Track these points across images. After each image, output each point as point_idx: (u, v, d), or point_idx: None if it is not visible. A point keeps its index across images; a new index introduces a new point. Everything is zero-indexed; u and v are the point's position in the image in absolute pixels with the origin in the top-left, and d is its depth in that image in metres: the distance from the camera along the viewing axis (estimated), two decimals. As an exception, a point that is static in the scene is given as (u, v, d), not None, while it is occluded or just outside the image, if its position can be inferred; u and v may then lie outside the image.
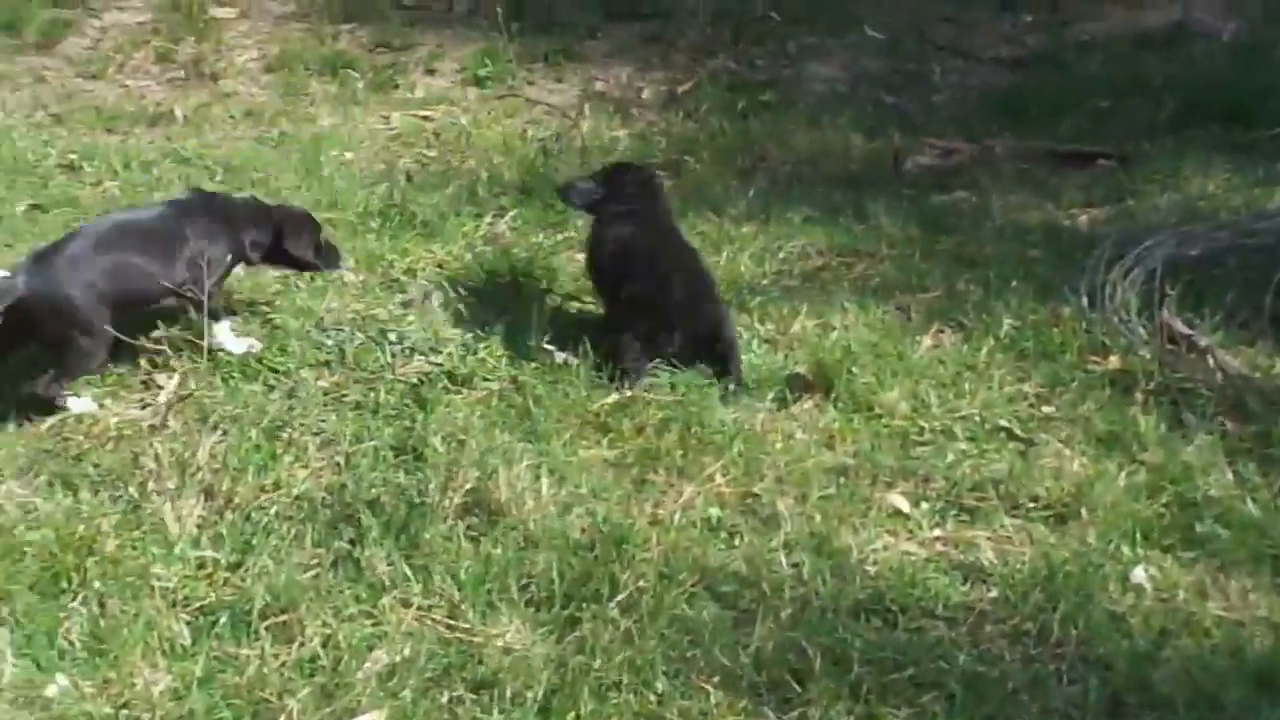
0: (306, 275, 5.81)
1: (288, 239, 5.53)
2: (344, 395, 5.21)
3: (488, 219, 6.50)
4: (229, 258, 5.40)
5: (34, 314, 5.03)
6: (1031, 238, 6.39)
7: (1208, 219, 6.31)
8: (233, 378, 5.26)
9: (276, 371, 5.31)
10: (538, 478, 4.72)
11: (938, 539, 4.67)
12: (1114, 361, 5.43)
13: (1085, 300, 5.66)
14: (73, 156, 7.13)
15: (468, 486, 4.65)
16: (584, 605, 4.28)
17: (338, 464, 4.87)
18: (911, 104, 8.06)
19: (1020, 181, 7.02)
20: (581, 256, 5.91)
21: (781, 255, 6.14)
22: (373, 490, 4.70)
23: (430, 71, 8.41)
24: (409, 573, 4.37)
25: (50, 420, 5.06)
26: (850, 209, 6.56)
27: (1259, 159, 6.99)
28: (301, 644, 4.15)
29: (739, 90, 8.11)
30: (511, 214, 6.55)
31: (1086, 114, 7.73)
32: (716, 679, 4.06)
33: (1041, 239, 6.37)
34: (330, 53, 8.52)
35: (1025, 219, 6.66)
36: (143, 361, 5.32)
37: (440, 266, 6.06)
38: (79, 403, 5.17)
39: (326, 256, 5.68)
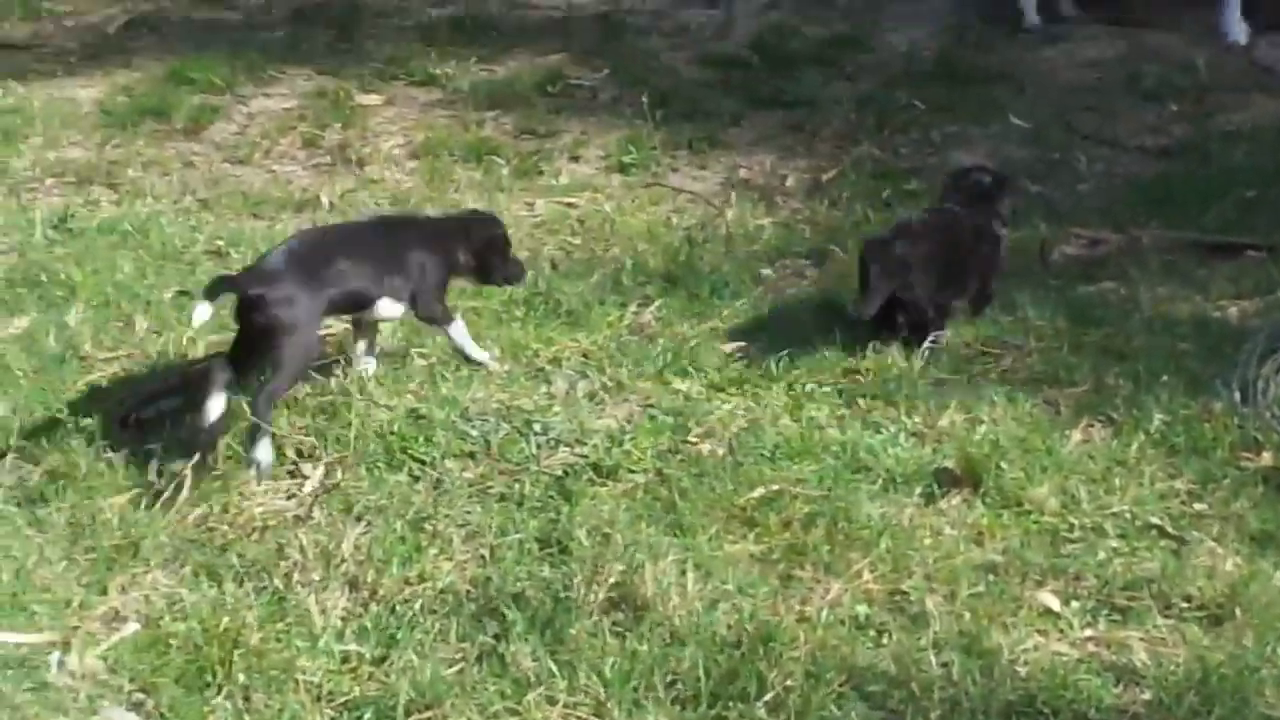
0: (453, 365, 5.85)
1: (490, 252, 5.89)
2: (489, 487, 5.21)
3: (632, 308, 6.50)
4: (445, 269, 5.80)
5: (250, 310, 5.34)
6: (1181, 330, 6.30)
7: (1364, 314, 6.21)
8: (378, 468, 5.28)
9: (422, 462, 5.32)
10: (683, 573, 4.68)
11: (1089, 639, 4.59)
12: (1267, 458, 5.33)
13: (1237, 395, 5.58)
14: (219, 242, 7.23)
15: (613, 581, 4.62)
16: (730, 704, 4.23)
17: (482, 557, 4.86)
18: (1056, 193, 7.98)
19: (1168, 273, 6.92)
20: (728, 346, 5.95)
21: (927, 347, 6.08)
22: (517, 584, 4.69)
23: (575, 158, 8.45)
24: (554, 669, 4.35)
25: (196, 511, 5.09)
26: (997, 299, 6.49)
27: None
28: (447, 739, 4.14)
29: (883, 178, 8.08)
30: (656, 303, 6.55)
31: (1233, 204, 7.62)
32: (865, 781, 4.00)
33: (1191, 331, 6.27)
34: (475, 139, 8.58)
35: (1174, 311, 6.57)
36: (289, 451, 5.35)
37: (585, 356, 6.06)
38: (264, 450, 5.27)
39: (515, 271, 6.05)
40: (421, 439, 5.43)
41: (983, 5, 10.53)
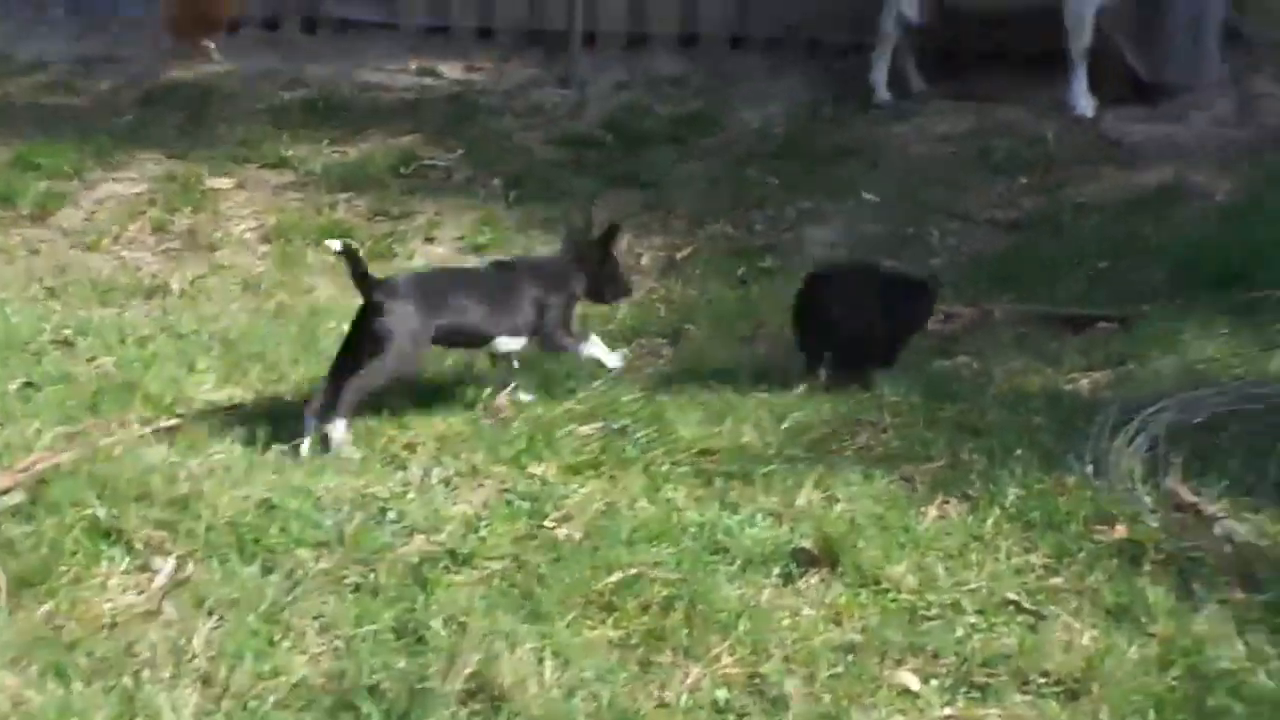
0: (306, 452, 5.81)
1: (604, 278, 6.40)
2: (343, 577, 5.13)
3: (488, 391, 6.47)
4: (566, 303, 6.32)
5: (369, 313, 6.01)
6: (1034, 404, 6.35)
7: (1210, 383, 6.28)
8: (230, 560, 5.20)
9: (274, 553, 5.24)
10: (541, 661, 4.63)
11: (948, 717, 4.59)
12: (1121, 531, 5.36)
13: (1090, 468, 5.62)
14: (67, 331, 7.10)
15: (470, 670, 4.55)
16: (591, 793, 4.19)
17: (337, 649, 4.78)
18: (910, 268, 8.06)
19: (1021, 346, 7.00)
20: (585, 428, 5.93)
21: (785, 425, 6.09)
22: (373, 676, 4.61)
23: (429, 240, 8.44)
24: (411, 762, 4.29)
25: (43, 608, 4.98)
26: (852, 376, 6.53)
27: (1259, 321, 6.98)
28: (302, 837, 4.07)
29: (738, 256, 8.14)
30: (512, 385, 6.52)
31: (1084, 276, 7.75)
32: None
33: (1044, 405, 6.33)
34: (328, 222, 8.55)
35: (1027, 385, 6.64)
36: (137, 544, 5.26)
37: (440, 441, 6.02)
38: (339, 430, 5.91)
39: (625, 289, 6.54)
40: (274, 529, 5.34)
41: (833, 82, 10.66)
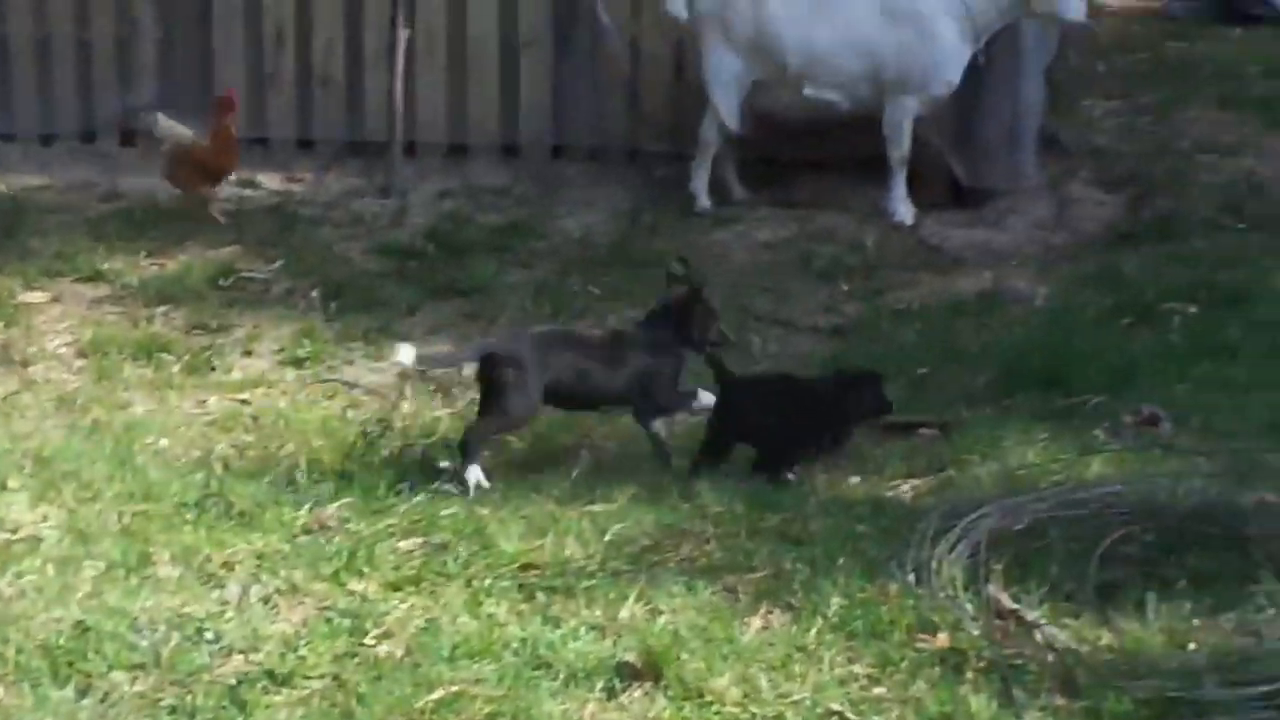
0: (123, 571, 5.72)
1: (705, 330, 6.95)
2: (159, 699, 5.06)
3: (307, 507, 6.42)
4: (675, 367, 6.92)
5: (489, 367, 6.75)
6: (857, 512, 6.42)
7: (1030, 489, 6.38)
8: (42, 684, 5.11)
9: (89, 676, 5.16)
10: (362, 782, 4.60)
11: (774, 830, 4.61)
12: (943, 639, 5.42)
13: (912, 576, 5.67)
14: (-126, 455, 6.97)
15: (289, 794, 4.52)
16: None
17: (152, 775, 4.72)
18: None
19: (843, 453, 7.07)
20: (405, 543, 5.90)
21: (608, 538, 6.10)
22: (189, 802, 4.56)
23: (247, 353, 8.38)
24: None
25: None
26: (675, 487, 6.56)
27: (1077, 426, 7.12)
28: None
29: (561, 366, 8.15)
30: (332, 502, 6.47)
31: (905, 383, 7.84)
32: None
33: (867, 513, 6.40)
34: (144, 335, 8.46)
35: (850, 492, 6.72)
36: (-54, 670, 5.15)
37: (259, 559, 5.96)
38: (473, 473, 6.66)
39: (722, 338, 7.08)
40: (89, 652, 5.26)
41: (655, 191, 10.77)
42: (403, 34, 10.80)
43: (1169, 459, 6.80)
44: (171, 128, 10.16)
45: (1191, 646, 5.30)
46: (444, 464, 6.77)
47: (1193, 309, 8.68)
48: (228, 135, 9.94)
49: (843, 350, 8.30)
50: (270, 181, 10.82)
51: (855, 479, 6.87)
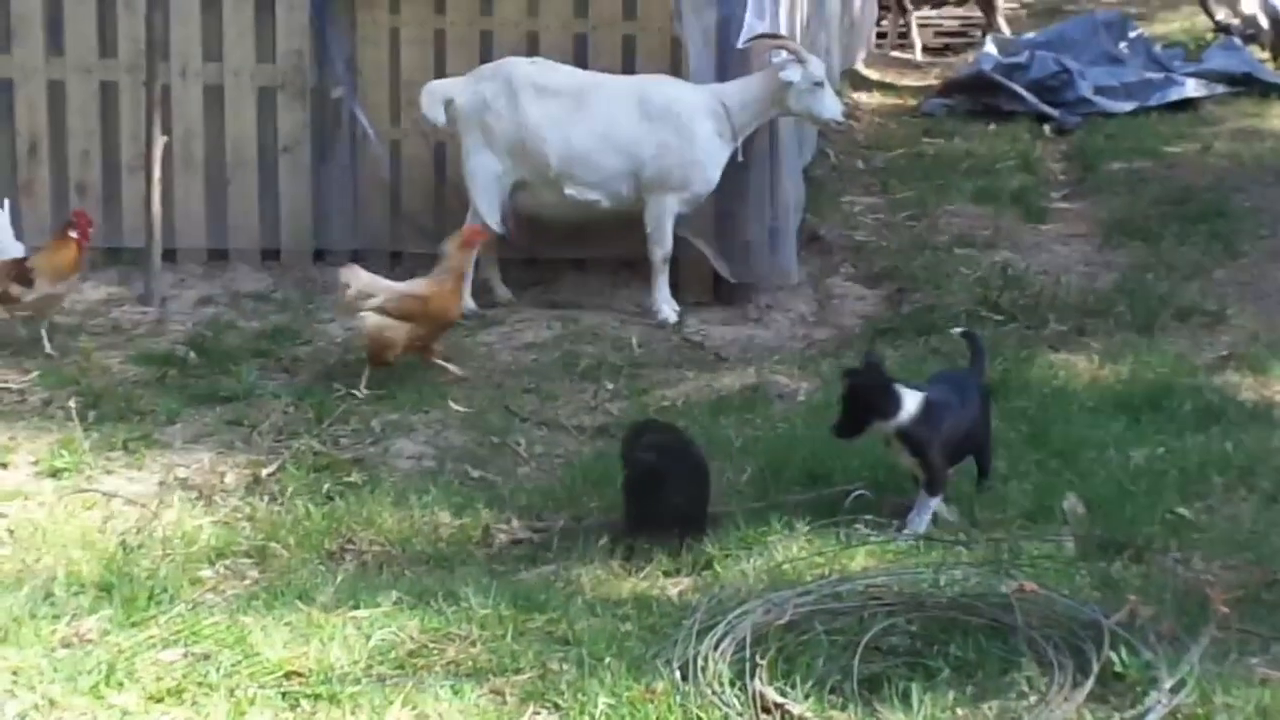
0: None
1: None
2: (-91, 824, 4.98)
3: (66, 620, 6.34)
4: None
5: None
6: (622, 610, 6.48)
7: (794, 583, 6.50)
8: None
9: None
10: None
11: None
12: (710, 734, 5.50)
13: (678, 674, 5.73)
14: None
15: None
16: None
17: None
18: (499, 477, 8.20)
19: (610, 552, 7.14)
20: (167, 654, 5.85)
21: (373, 643, 6.10)
22: None
23: (3, 465, 8.25)
24: None
25: None
26: (441, 591, 6.58)
27: (840, 519, 7.26)
28: None
29: (324, 470, 8.15)
30: (91, 615, 6.39)
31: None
32: None
33: (633, 611, 6.46)
34: (-107, 451, 8.33)
35: (616, 591, 6.78)
36: None
37: (15, 674, 5.87)
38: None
39: None
40: None
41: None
42: (159, 140, 10.78)
43: (931, 549, 6.97)
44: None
45: (955, 734, 5.45)
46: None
47: (952, 401, 8.90)
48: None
49: (608, 450, 8.37)
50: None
51: (621, 576, 6.94)
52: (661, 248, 10.60)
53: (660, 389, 9.39)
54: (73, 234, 9.82)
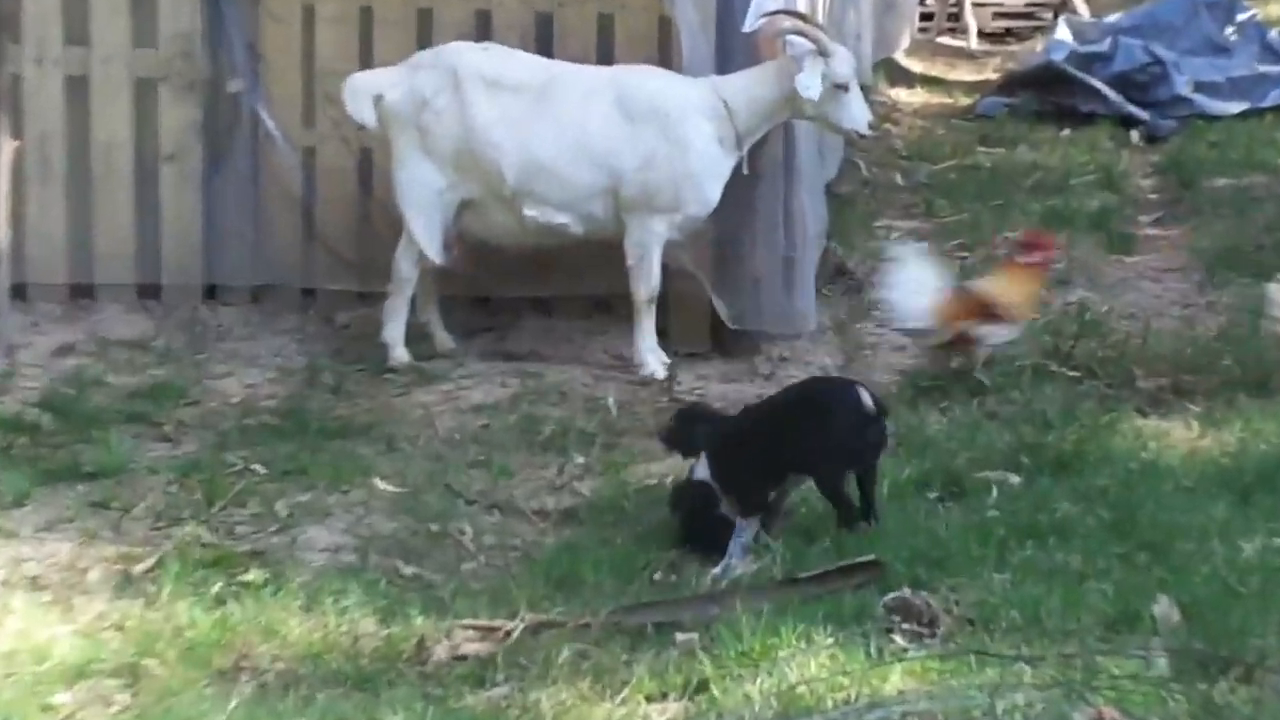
0: None
1: None
2: None
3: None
4: None
5: None
6: (595, 743, 6.48)
7: (812, 710, 6.47)
8: None
9: None
10: None
11: None
12: None
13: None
14: None
15: None
16: None
17: None
18: (437, 575, 8.16)
19: (577, 669, 7.11)
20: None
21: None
22: None
23: None
24: None
25: None
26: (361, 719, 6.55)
27: (867, 630, 7.25)
28: None
29: (215, 566, 8.10)
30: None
31: (643, 583, 7.96)
32: None
33: (609, 745, 6.46)
34: None
35: (587, 716, 6.75)
36: None
37: None
38: None
39: None
40: None
41: (338, 341, 10.84)
42: (8, 147, 10.74)
43: (985, 666, 6.94)
44: None
45: None
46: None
47: (1014, 479, 8.91)
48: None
49: (576, 540, 8.36)
50: None
51: (592, 700, 6.91)
52: (646, 284, 10.58)
53: (644, 463, 9.36)
54: None
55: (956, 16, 21.38)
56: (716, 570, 7.97)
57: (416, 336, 10.77)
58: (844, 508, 8.22)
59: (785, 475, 8.31)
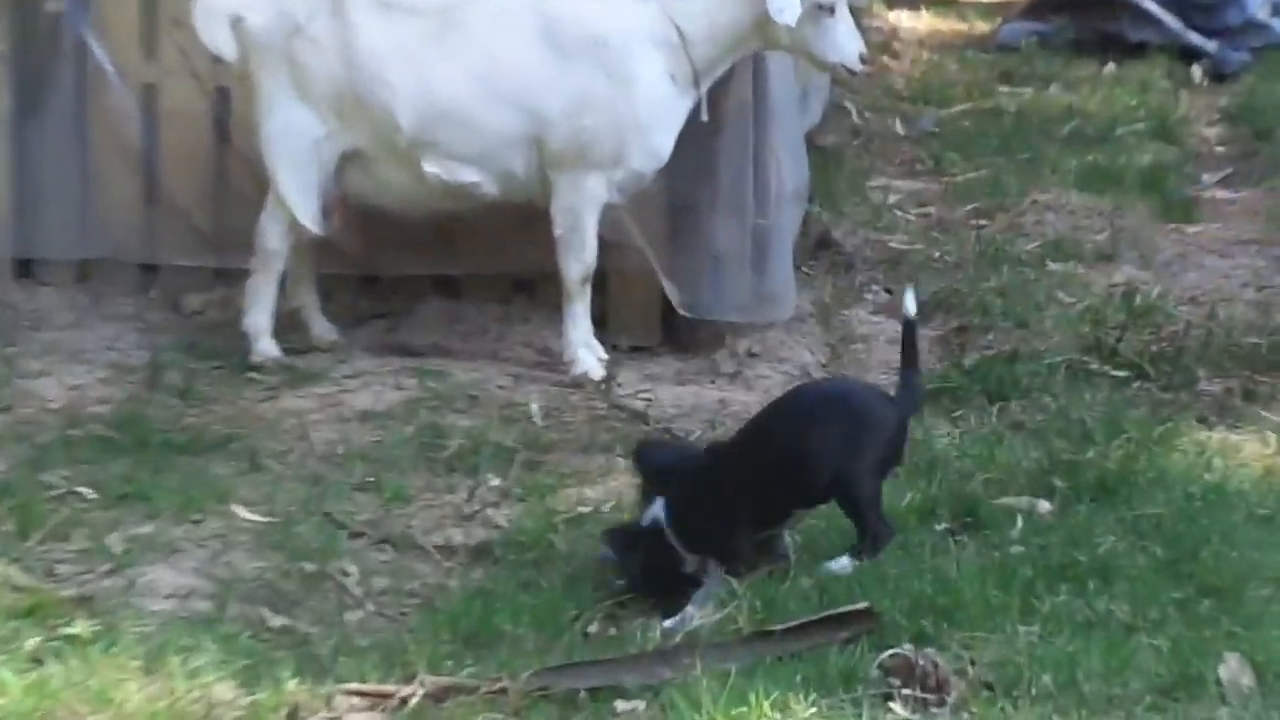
0: None
1: None
2: None
3: None
4: None
5: None
6: None
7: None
8: None
9: None
10: None
11: None
12: None
13: None
14: None
15: None
16: None
17: None
18: (314, 628, 8.17)
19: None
20: None
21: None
22: None
23: None
24: None
25: None
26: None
27: (862, 697, 7.29)
28: None
29: (30, 616, 8.04)
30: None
31: (568, 641, 8.02)
32: None
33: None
34: None
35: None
36: None
37: None
38: None
39: None
40: None
41: (186, 331, 10.86)
42: None
43: (1010, 737, 7.03)
44: None
45: None
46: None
47: (1044, 506, 8.97)
48: None
49: (490, 584, 8.40)
50: None
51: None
52: (579, 260, 10.61)
53: (575, 484, 9.40)
54: None
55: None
56: (670, 622, 7.95)
57: (288, 326, 10.79)
58: (884, 530, 8.34)
59: (789, 512, 8.40)
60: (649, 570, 8.25)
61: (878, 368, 10.95)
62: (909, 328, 8.51)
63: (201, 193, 11.47)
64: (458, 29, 10.49)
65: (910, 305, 8.43)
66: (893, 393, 8.58)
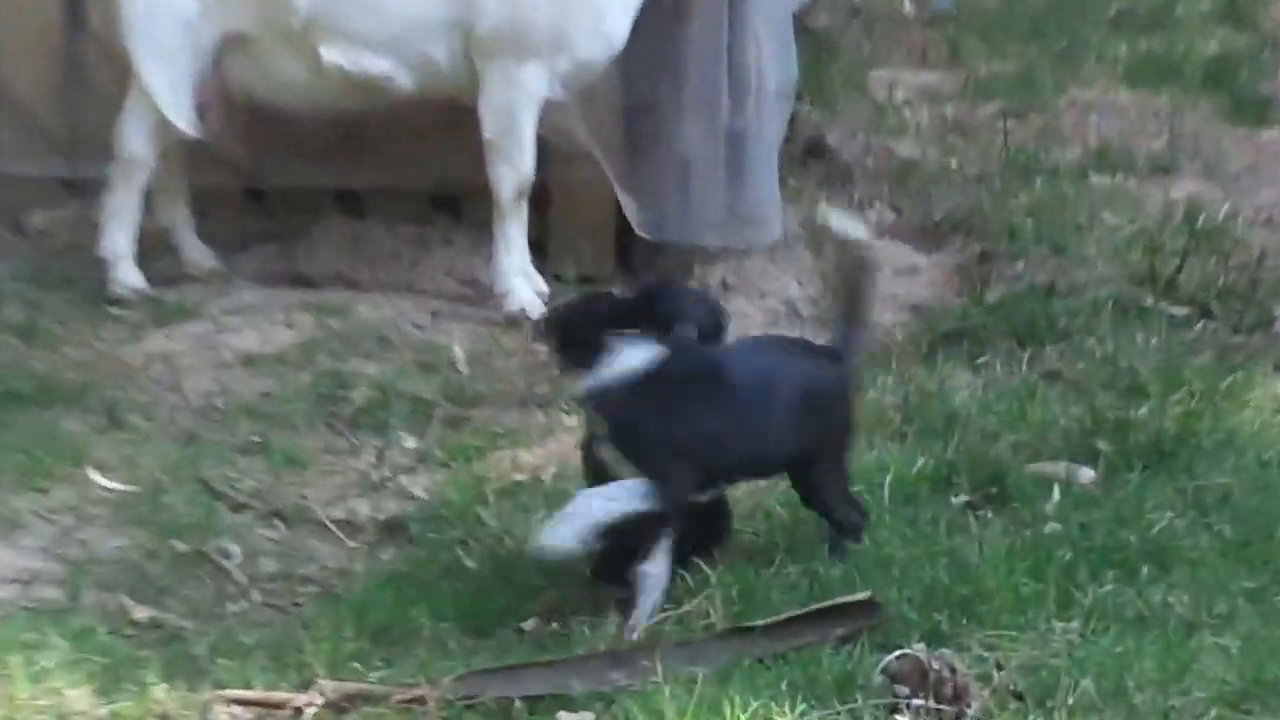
0: None
1: None
2: None
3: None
4: None
5: None
6: None
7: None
8: None
9: None
10: None
11: None
12: None
13: None
14: None
15: None
16: None
17: None
18: (187, 619, 8.19)
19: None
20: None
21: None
22: None
23: None
24: None
25: None
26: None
27: (862, 707, 7.30)
28: None
29: None
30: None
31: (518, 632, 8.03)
32: None
33: None
34: None
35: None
36: None
37: None
38: None
39: None
40: None
41: (35, 258, 10.88)
42: None
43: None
44: None
45: None
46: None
47: (1086, 475, 8.98)
48: None
49: (402, 566, 8.39)
50: None
51: None
52: (514, 170, 10.63)
53: (508, 446, 9.42)
54: None
55: None
56: (633, 620, 7.84)
57: (155, 250, 10.76)
58: (858, 515, 8.34)
59: (734, 476, 8.29)
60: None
61: (883, 303, 10.92)
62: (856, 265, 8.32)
63: (49, 86, 11.43)
64: (366, -119, 10.49)
65: (847, 226, 8.29)
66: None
